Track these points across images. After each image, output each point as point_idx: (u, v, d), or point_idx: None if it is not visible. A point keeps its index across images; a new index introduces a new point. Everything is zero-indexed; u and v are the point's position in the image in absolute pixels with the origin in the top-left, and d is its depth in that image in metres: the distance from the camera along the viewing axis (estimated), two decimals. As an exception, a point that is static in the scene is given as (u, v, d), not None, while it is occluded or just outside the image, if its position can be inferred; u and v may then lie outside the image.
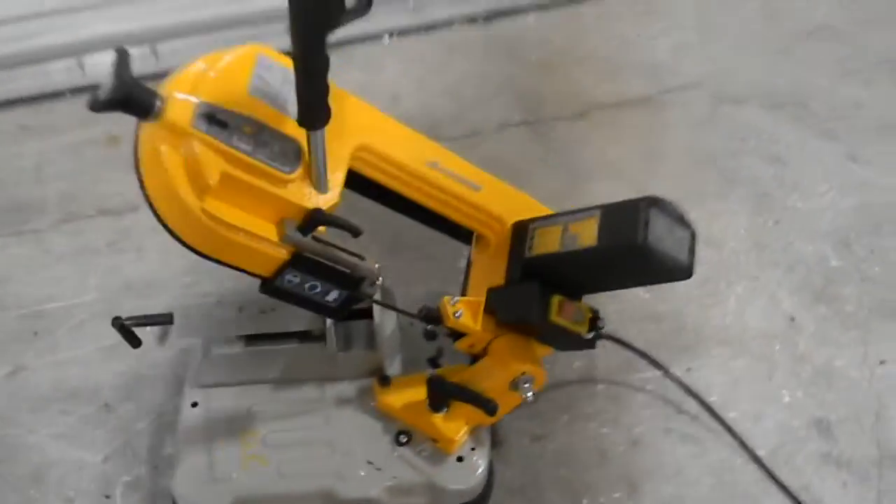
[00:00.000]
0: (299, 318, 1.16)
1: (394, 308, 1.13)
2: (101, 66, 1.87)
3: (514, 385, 1.08)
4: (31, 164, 1.72)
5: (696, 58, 1.97)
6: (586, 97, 1.85)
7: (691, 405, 1.29)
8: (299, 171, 0.89)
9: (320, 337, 1.17)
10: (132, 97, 0.79)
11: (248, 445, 1.14)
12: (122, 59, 0.78)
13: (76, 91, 1.87)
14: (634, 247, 0.94)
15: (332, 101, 0.84)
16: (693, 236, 1.00)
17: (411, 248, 1.53)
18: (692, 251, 0.99)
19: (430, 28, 2.04)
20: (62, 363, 1.35)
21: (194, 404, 1.18)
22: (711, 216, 1.59)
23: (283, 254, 0.91)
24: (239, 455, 1.12)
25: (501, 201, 1.11)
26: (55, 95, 1.87)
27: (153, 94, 0.81)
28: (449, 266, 1.39)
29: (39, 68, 1.92)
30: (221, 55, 0.88)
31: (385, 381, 1.17)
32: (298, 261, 0.91)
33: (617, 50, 2.00)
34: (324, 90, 0.82)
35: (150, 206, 0.87)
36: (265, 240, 0.89)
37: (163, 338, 1.39)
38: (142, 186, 0.86)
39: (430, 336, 1.27)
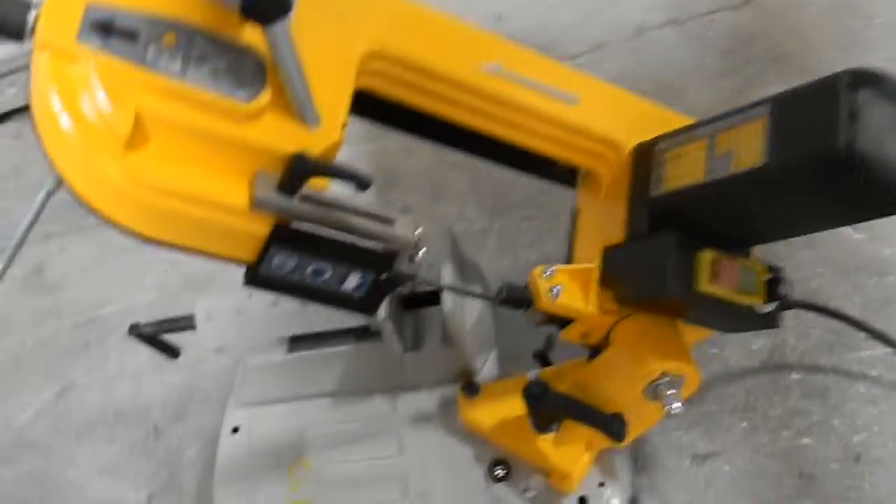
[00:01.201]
0: (353, 310, 0.86)
1: (453, 289, 0.79)
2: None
3: (652, 391, 0.71)
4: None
5: None
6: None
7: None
8: (265, 97, 0.57)
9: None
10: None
11: (298, 484, 0.85)
12: None
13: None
14: (833, 158, 0.54)
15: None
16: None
17: (520, 204, 1.18)
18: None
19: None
20: (112, 379, 1.15)
21: (235, 429, 0.92)
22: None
23: (260, 226, 0.60)
24: (285, 499, 0.84)
25: (612, 116, 0.74)
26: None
27: (22, 3, 0.53)
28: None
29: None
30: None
31: (472, 389, 0.84)
32: (283, 234, 0.60)
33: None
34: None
35: (58, 174, 0.59)
36: (228, 207, 0.58)
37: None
38: (41, 147, 0.58)
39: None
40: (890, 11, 1.24)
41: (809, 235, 0.98)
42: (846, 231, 1.01)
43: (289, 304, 0.87)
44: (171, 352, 0.95)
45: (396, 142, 1.34)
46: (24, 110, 1.72)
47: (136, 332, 0.92)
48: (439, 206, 1.22)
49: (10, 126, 1.69)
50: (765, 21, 1.31)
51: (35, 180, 1.44)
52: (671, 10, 1.39)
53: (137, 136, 0.56)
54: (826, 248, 0.99)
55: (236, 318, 0.88)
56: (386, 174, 1.30)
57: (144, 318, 1.15)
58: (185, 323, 0.91)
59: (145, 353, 1.14)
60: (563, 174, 0.81)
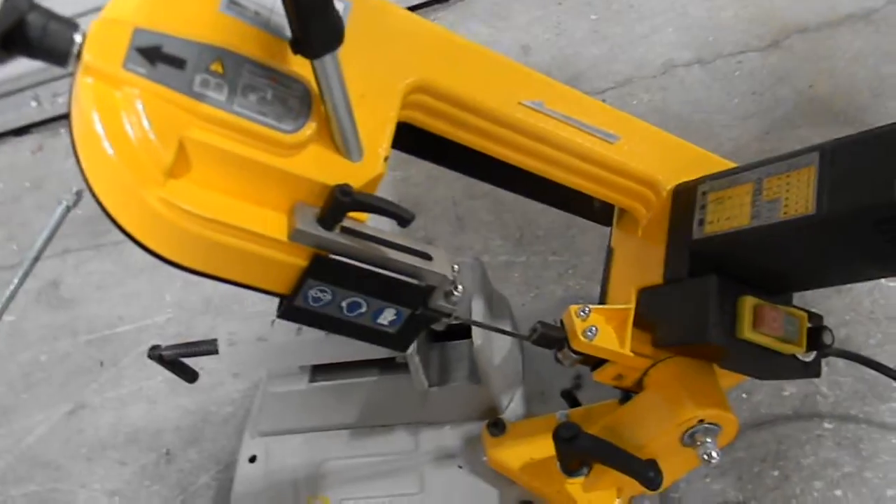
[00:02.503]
0: (378, 341, 0.84)
1: (486, 326, 0.77)
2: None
3: (689, 438, 0.69)
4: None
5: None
6: (780, 18, 1.38)
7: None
8: (309, 129, 0.56)
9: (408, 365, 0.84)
10: (28, 29, 0.50)
11: (316, 519, 0.83)
12: None
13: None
14: (889, 209, 0.53)
15: (361, 12, 0.54)
16: None
17: (546, 237, 1.16)
18: None
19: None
20: (125, 399, 1.14)
21: (252, 459, 0.90)
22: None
23: (298, 258, 0.58)
24: (302, 533, 0.82)
25: (652, 155, 0.73)
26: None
27: (68, 26, 0.52)
28: (596, 260, 1.01)
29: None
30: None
31: (498, 427, 0.83)
32: (321, 267, 0.59)
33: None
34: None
35: (95, 199, 0.57)
36: (267, 238, 0.57)
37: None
38: (81, 171, 0.57)
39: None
40: (921, 56, 1.23)
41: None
42: (879, 279, 0.99)
43: (313, 333, 0.85)
44: (189, 375, 0.94)
45: (421, 170, 1.33)
46: (44, 124, 1.72)
47: (156, 354, 0.90)
48: (464, 236, 1.21)
49: (31, 139, 1.69)
50: (793, 63, 1.30)
51: (54, 194, 1.43)
52: (698, 50, 1.38)
53: (180, 164, 0.55)
54: (857, 294, 0.98)
55: (259, 345, 0.86)
56: (410, 203, 1.29)
57: (160, 337, 1.15)
58: (208, 347, 0.89)
59: (160, 374, 1.13)
60: (600, 213, 0.80)
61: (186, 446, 1.05)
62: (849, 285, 0.98)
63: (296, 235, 0.57)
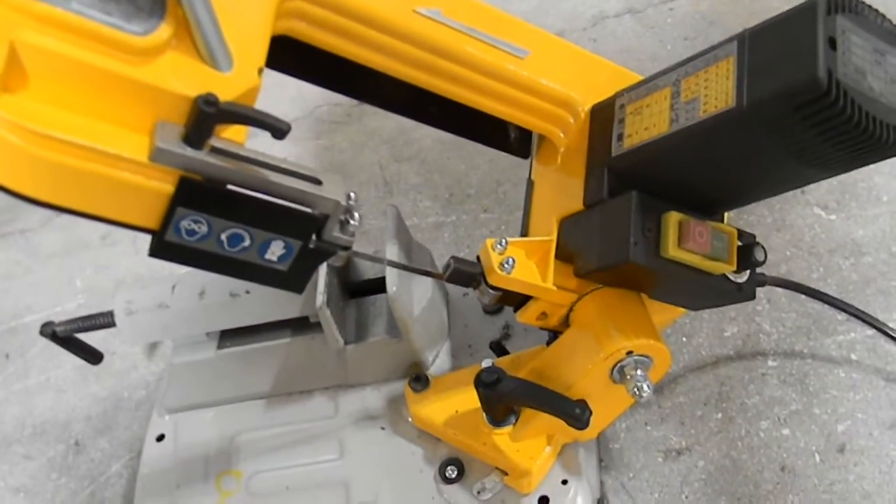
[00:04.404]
0: (289, 300, 0.77)
1: (399, 265, 0.71)
2: None
3: (618, 373, 0.64)
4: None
5: None
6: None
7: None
8: (164, 32, 0.49)
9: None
10: None
11: (227, 495, 0.76)
12: None
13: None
14: (812, 88, 0.48)
15: None
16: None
17: (476, 195, 1.11)
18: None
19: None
20: (32, 391, 1.05)
21: (160, 437, 0.83)
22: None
23: (163, 182, 0.51)
24: (213, 511, 0.75)
25: (566, 72, 0.67)
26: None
27: None
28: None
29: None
30: None
31: (420, 382, 0.76)
32: (190, 192, 0.52)
33: None
34: None
35: None
36: (123, 159, 0.50)
37: (152, 349, 1.07)
38: None
39: (492, 308, 0.86)
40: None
41: (779, 217, 0.92)
42: (818, 212, 0.95)
43: (217, 296, 0.78)
44: (93, 356, 0.86)
45: (346, 136, 1.27)
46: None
47: (49, 331, 0.82)
48: (392, 200, 1.15)
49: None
50: (725, 7, 1.27)
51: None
52: (628, 0, 1.34)
53: (14, 75, 0.47)
54: (797, 229, 0.94)
55: (160, 312, 0.79)
56: (337, 169, 1.22)
57: (68, 324, 1.05)
58: (104, 320, 0.81)
59: (70, 362, 1.05)
60: (517, 144, 0.75)
61: (97, 435, 0.97)
62: (788, 221, 0.94)
63: (157, 155, 0.50)
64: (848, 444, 0.77)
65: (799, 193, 0.97)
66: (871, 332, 0.82)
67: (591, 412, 0.62)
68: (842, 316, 0.84)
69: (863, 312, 0.81)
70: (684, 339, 0.87)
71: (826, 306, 0.84)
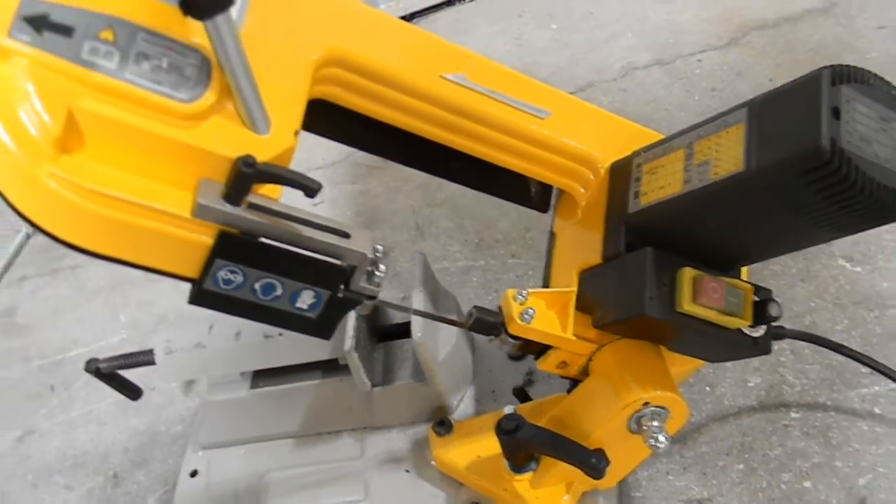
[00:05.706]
0: (320, 343, 0.80)
1: (423, 314, 0.74)
2: None
3: (635, 424, 0.65)
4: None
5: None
6: (739, 17, 1.37)
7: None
8: (208, 98, 0.54)
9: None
10: None
11: (257, 532, 0.79)
12: None
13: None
14: (815, 156, 0.50)
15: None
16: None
17: (505, 241, 1.14)
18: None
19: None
20: (75, 423, 1.09)
21: (193, 473, 0.86)
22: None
23: (203, 236, 0.55)
24: (242, 548, 0.78)
25: (586, 131, 0.70)
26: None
27: None
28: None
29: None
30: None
31: (444, 426, 0.79)
32: (228, 245, 0.56)
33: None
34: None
35: None
36: (168, 215, 0.54)
37: (189, 385, 1.11)
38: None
39: (516, 355, 0.88)
40: (884, 46, 1.22)
41: (804, 268, 0.93)
42: (843, 264, 0.96)
43: (252, 337, 0.82)
44: (133, 392, 0.90)
45: (380, 182, 1.31)
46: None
47: (93, 367, 0.87)
48: (423, 244, 1.18)
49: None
50: (752, 59, 1.29)
51: (12, 224, 1.41)
52: (658, 52, 1.37)
53: (73, 137, 0.52)
54: (822, 281, 0.94)
55: (197, 352, 0.83)
56: (370, 213, 1.26)
57: (112, 359, 1.10)
58: (144, 358, 0.85)
59: (111, 396, 1.09)
60: (537, 199, 0.78)
61: (134, 468, 1.01)
62: (813, 272, 0.95)
63: (199, 211, 0.54)
64: (869, 497, 0.77)
65: (824, 245, 0.98)
66: (894, 385, 0.82)
67: (607, 462, 0.64)
68: (865, 369, 0.85)
69: (885, 366, 0.81)
70: (707, 388, 0.88)
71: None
